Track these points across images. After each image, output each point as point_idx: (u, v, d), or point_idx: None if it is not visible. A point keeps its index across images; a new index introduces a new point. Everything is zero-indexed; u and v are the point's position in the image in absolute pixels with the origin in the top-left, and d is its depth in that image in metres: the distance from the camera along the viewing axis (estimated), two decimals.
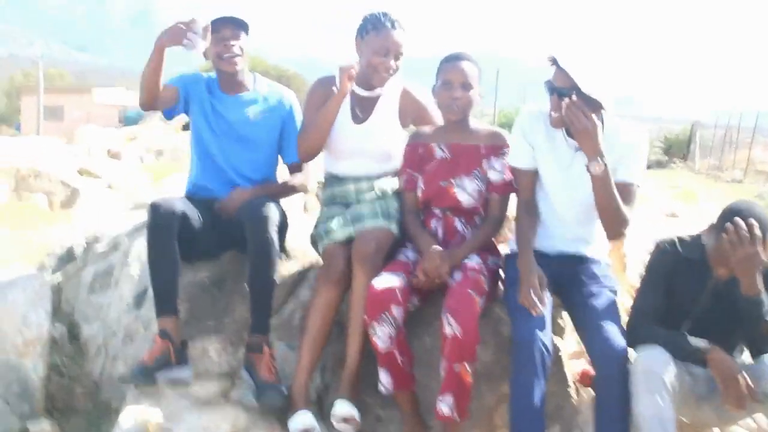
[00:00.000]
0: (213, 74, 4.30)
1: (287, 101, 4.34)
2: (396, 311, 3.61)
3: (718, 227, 3.50)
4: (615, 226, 3.66)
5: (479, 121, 4.11)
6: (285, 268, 4.30)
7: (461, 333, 3.47)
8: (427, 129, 4.12)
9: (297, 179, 4.36)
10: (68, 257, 5.06)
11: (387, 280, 3.66)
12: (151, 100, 4.06)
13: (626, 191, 3.67)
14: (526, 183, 3.86)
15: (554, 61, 3.57)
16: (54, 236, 6.41)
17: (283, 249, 4.33)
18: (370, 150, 4.18)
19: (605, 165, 3.49)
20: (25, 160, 11.23)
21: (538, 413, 3.41)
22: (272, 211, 3.90)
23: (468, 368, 3.50)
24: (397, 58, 4.09)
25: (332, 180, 4.31)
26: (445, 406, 3.51)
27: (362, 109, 4.23)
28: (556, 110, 3.61)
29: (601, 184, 3.53)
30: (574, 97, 3.48)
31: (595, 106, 3.54)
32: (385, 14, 4.11)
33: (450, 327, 3.48)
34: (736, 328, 3.60)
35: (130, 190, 11.21)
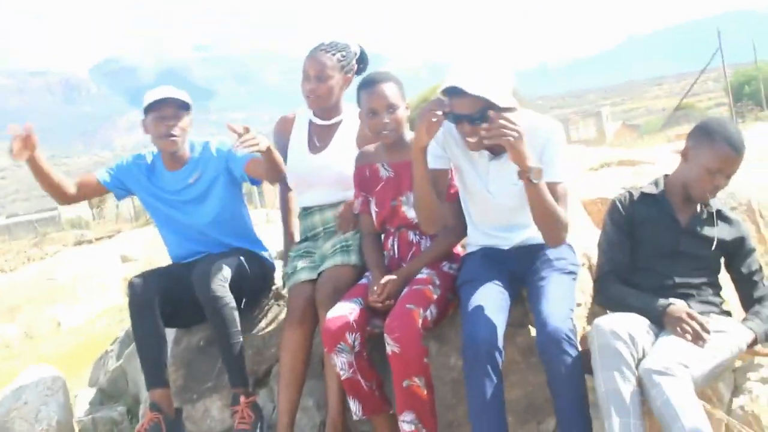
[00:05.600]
0: (154, 151, 4.42)
1: (213, 147, 4.35)
2: (351, 338, 3.58)
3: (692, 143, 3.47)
4: (555, 232, 3.42)
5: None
6: (282, 315, 4.34)
7: (400, 349, 3.39)
8: (370, 148, 4.03)
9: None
10: (128, 339, 5.38)
11: (339, 310, 3.64)
12: (59, 198, 4.26)
13: (555, 191, 3.42)
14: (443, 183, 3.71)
15: (455, 92, 3.33)
16: None
17: (277, 296, 4.44)
18: (327, 179, 4.17)
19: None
20: None
21: (496, 412, 3.28)
22: (216, 268, 3.97)
23: (418, 382, 3.42)
24: (321, 80, 4.07)
25: (303, 213, 4.34)
26: (405, 424, 3.44)
27: (320, 139, 4.25)
28: (471, 136, 3.40)
29: (538, 192, 3.30)
30: (493, 117, 3.23)
31: (511, 111, 3.33)
32: (319, 43, 4.15)
33: (389, 346, 3.43)
34: (710, 259, 3.55)
35: None
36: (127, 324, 5.60)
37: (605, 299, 3.58)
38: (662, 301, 3.33)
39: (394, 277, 3.71)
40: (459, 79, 3.30)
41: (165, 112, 4.17)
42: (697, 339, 3.17)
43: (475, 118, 3.32)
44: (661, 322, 3.31)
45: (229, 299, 3.96)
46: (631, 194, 3.64)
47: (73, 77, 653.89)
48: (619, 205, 3.61)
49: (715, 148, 3.38)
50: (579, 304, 3.69)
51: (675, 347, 3.16)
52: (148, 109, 4.20)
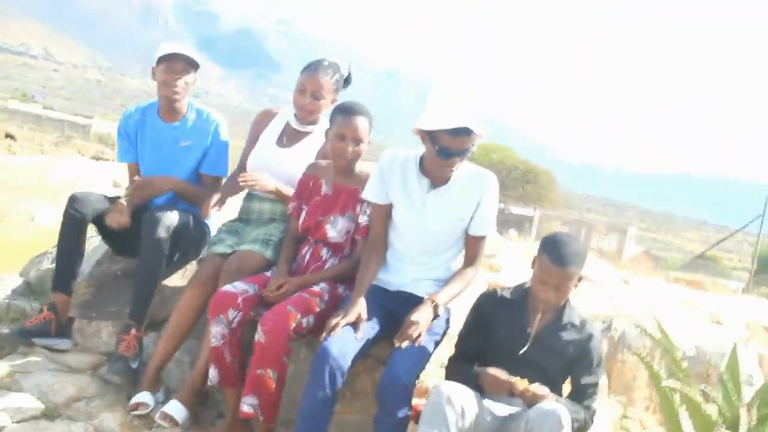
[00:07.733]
0: (152, 101, 4.91)
1: (212, 124, 4.84)
2: (232, 314, 3.98)
3: (536, 253, 3.72)
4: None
5: (366, 165, 4.41)
6: None
7: (266, 341, 3.80)
8: (322, 163, 4.45)
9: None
10: None
11: (233, 287, 4.06)
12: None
13: (481, 243, 4.03)
14: (376, 217, 4.12)
15: (458, 132, 3.73)
16: None
17: (201, 261, 4.87)
18: (279, 173, 4.60)
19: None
20: None
21: (320, 420, 3.67)
22: (167, 216, 4.42)
23: (271, 374, 3.82)
24: (316, 98, 4.54)
25: (247, 196, 4.81)
26: (246, 405, 3.84)
27: (289, 139, 4.72)
28: (453, 167, 3.86)
29: None
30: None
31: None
32: (319, 60, 4.60)
33: (258, 334, 3.83)
34: (552, 370, 3.74)
35: None
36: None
37: (448, 375, 3.89)
38: (479, 369, 3.69)
39: (294, 280, 4.13)
40: (467, 120, 3.72)
41: (175, 66, 4.66)
42: (514, 394, 3.54)
43: (466, 150, 3.80)
44: (480, 387, 3.65)
45: (165, 247, 4.41)
46: (495, 293, 3.92)
47: (156, 3, 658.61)
48: (482, 302, 3.92)
49: (541, 259, 3.66)
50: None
51: None
52: (161, 59, 4.68)
